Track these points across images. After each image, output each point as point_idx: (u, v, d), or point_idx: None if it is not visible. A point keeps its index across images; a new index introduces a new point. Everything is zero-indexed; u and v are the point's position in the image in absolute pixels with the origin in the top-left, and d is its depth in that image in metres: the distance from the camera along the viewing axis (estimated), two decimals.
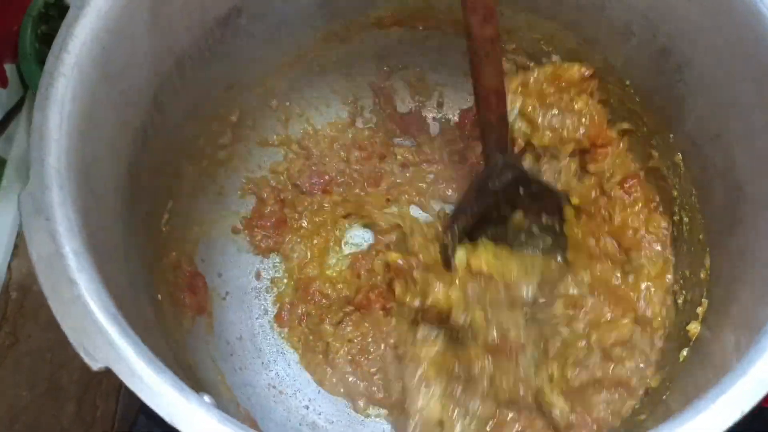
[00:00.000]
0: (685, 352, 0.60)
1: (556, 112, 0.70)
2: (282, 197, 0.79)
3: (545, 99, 0.70)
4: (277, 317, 0.76)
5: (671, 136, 0.65)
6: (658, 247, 0.69)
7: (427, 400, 0.67)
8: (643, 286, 0.68)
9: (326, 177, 0.80)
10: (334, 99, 0.80)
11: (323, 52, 0.74)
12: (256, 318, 0.76)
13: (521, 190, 0.69)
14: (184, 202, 0.68)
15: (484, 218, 0.70)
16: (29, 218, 0.43)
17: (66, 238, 0.43)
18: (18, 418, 0.70)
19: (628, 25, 0.63)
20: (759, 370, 0.43)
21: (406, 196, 0.81)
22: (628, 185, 0.71)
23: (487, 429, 0.67)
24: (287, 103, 0.78)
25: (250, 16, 0.63)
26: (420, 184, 0.81)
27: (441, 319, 0.69)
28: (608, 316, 0.68)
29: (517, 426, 0.67)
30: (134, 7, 0.51)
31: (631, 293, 0.68)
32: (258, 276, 0.77)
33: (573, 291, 0.69)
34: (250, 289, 0.77)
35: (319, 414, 0.73)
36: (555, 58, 0.71)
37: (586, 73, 0.69)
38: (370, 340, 0.75)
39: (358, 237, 0.80)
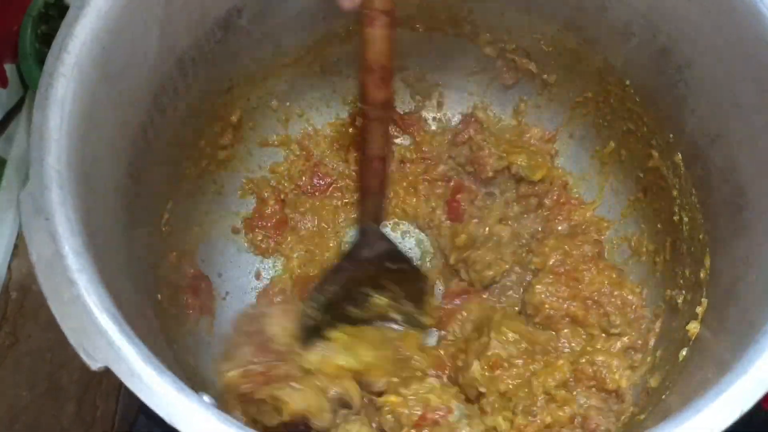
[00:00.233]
0: (684, 352, 0.59)
1: None
2: (282, 197, 0.79)
3: None
4: None
5: (671, 136, 0.65)
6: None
7: None
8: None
9: (326, 177, 0.80)
10: (334, 99, 0.80)
11: (323, 53, 0.74)
12: None
13: (390, 266, 0.69)
14: (184, 202, 0.68)
15: (347, 293, 0.69)
16: (29, 218, 0.43)
17: (66, 238, 0.43)
18: (18, 418, 0.70)
19: (628, 26, 0.63)
20: (758, 369, 0.44)
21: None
22: None
23: None
24: (287, 104, 0.78)
25: (250, 16, 0.63)
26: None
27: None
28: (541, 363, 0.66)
29: None
30: (134, 7, 0.51)
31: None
32: (258, 276, 0.77)
33: (497, 351, 0.66)
34: (250, 289, 0.77)
35: None
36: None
37: None
38: None
39: None
